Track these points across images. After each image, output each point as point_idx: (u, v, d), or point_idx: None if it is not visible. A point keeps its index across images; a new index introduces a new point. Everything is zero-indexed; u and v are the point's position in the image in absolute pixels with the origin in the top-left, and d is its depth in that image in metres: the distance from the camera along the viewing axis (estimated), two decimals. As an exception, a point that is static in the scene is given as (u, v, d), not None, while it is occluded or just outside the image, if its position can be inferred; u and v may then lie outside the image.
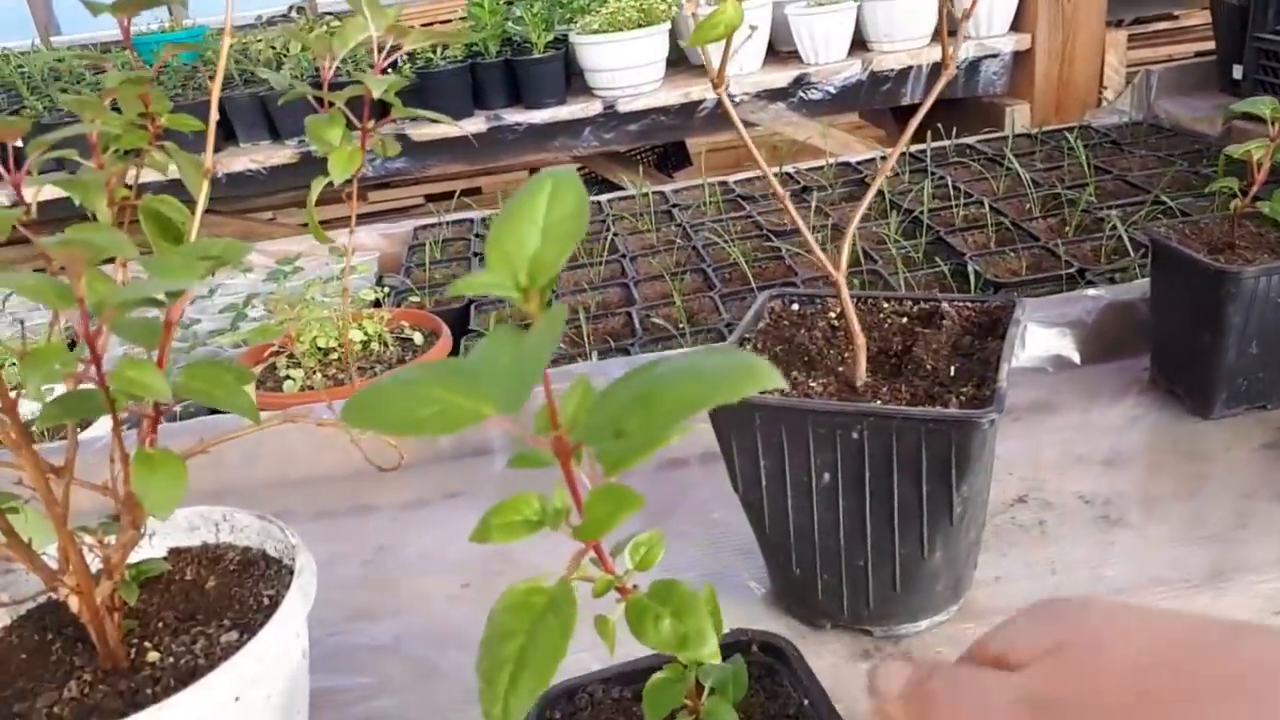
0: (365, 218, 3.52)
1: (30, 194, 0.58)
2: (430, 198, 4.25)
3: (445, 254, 2.02)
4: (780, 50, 3.07)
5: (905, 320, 0.82)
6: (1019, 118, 3.02)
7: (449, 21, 3.63)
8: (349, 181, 0.68)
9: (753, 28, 0.68)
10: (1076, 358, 1.12)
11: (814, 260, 1.74)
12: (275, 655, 0.60)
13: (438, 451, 1.10)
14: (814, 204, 1.98)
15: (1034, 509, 0.87)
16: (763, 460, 0.72)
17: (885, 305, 0.84)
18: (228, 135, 2.87)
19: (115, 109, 0.68)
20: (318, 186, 0.66)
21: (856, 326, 0.73)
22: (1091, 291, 1.16)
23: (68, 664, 0.65)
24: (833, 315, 0.84)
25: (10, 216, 0.52)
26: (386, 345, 1.45)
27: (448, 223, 2.18)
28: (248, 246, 0.53)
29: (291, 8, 3.96)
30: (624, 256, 1.89)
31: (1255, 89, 2.10)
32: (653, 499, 0.98)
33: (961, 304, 0.81)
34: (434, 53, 2.89)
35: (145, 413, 0.53)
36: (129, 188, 0.69)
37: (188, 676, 0.61)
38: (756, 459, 0.72)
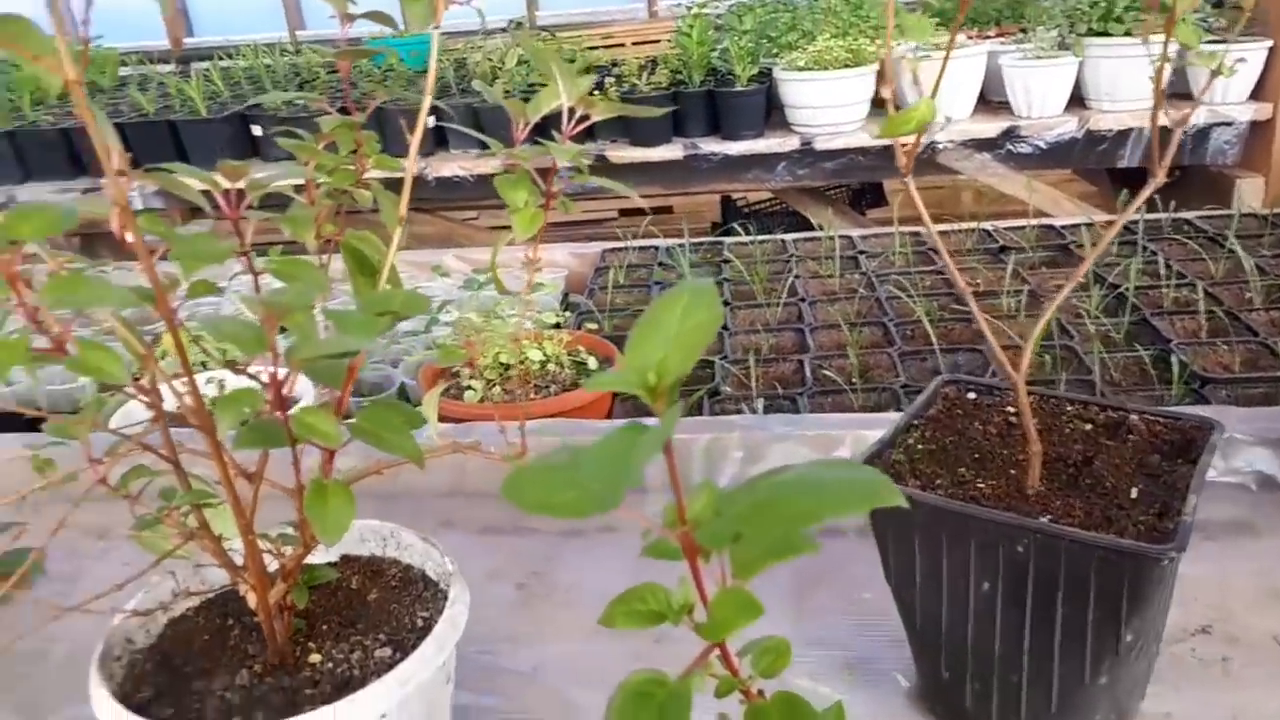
0: (557, 226, 3.64)
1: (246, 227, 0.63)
2: (623, 212, 4.35)
3: (629, 279, 2.06)
4: (991, 100, 2.98)
5: (1089, 427, 0.78)
6: (1249, 193, 2.81)
7: (657, 42, 3.69)
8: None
9: (947, 119, 0.67)
10: (1286, 476, 1.04)
11: (1004, 327, 1.68)
12: (420, 681, 0.64)
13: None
14: (1010, 266, 1.90)
15: (1218, 643, 0.81)
16: (919, 558, 0.71)
17: (1069, 408, 0.80)
18: (440, 141, 3.03)
19: (330, 148, 0.74)
20: (500, 243, 0.69)
21: (1033, 431, 0.71)
22: (1308, 406, 1.07)
23: (242, 652, 0.70)
24: (1010, 410, 0.82)
25: (226, 250, 0.57)
26: (563, 367, 1.49)
27: (634, 248, 2.23)
28: (425, 300, 0.57)
29: (512, 22, 4.13)
30: (803, 300, 1.87)
31: None
32: (801, 568, 0.98)
33: (1153, 419, 0.77)
34: (639, 78, 2.95)
35: (322, 445, 0.57)
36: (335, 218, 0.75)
37: (342, 686, 0.65)
38: (913, 556, 0.71)
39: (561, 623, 0.92)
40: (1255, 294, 1.74)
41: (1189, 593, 0.86)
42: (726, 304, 1.90)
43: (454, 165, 2.91)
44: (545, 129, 0.68)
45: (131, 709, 0.63)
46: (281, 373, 0.55)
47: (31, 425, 0.80)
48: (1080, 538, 0.62)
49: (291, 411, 0.52)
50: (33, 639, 0.71)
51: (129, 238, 0.50)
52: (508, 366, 1.47)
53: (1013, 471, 0.74)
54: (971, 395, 0.85)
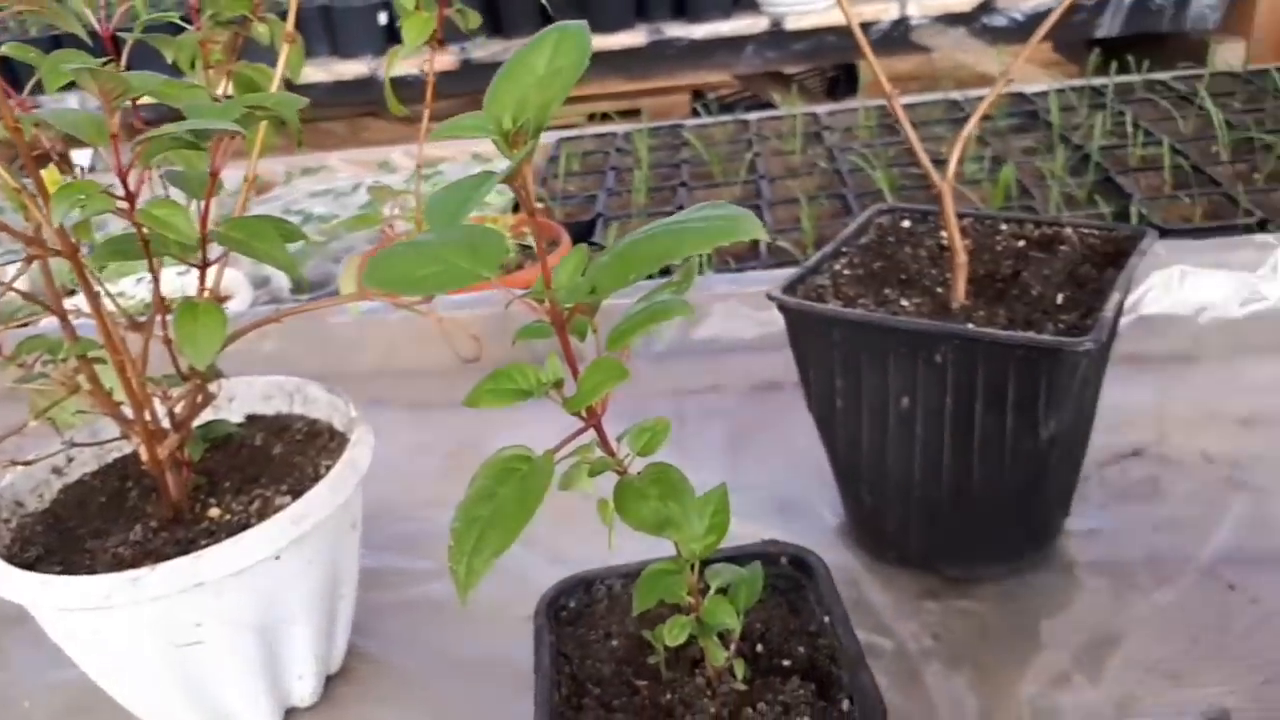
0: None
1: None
2: (591, 118, 4.24)
3: (583, 166, 2.01)
4: (964, -29, 2.88)
5: (1022, 244, 0.75)
6: (1230, 56, 2.74)
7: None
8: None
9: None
10: (1234, 308, 1.01)
11: (966, 192, 1.63)
12: (318, 519, 0.61)
13: (533, 354, 1.10)
14: (975, 132, 1.85)
15: (1149, 464, 0.79)
16: (838, 379, 0.68)
17: (1004, 227, 0.77)
18: (394, 38, 2.92)
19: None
20: (393, 56, 0.64)
21: (959, 242, 0.67)
22: (1261, 238, 1.03)
23: (140, 511, 0.68)
24: (944, 234, 0.78)
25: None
26: (508, 250, 1.45)
27: (590, 135, 2.17)
28: (299, 100, 0.52)
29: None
30: (762, 178, 1.83)
31: None
32: (739, 419, 0.96)
33: (1086, 231, 0.73)
34: (600, -40, 2.84)
35: (194, 263, 0.53)
36: (229, 57, 0.70)
37: (239, 532, 0.63)
38: (832, 377, 0.68)
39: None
40: (1223, 148, 1.69)
41: (1124, 418, 0.84)
42: (684, 184, 1.85)
43: (408, 63, 2.81)
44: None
45: (17, 566, 0.61)
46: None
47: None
48: (998, 338, 0.60)
49: (141, 205, 0.48)
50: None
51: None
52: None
53: (939, 290, 0.70)
54: (906, 223, 0.81)
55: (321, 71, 2.85)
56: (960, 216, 0.78)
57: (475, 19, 0.66)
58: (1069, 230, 0.74)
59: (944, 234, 0.78)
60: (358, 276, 1.23)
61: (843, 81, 4.04)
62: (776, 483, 0.85)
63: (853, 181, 1.76)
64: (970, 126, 0.68)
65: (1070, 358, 0.57)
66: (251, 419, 0.76)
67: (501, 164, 0.36)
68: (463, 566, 0.36)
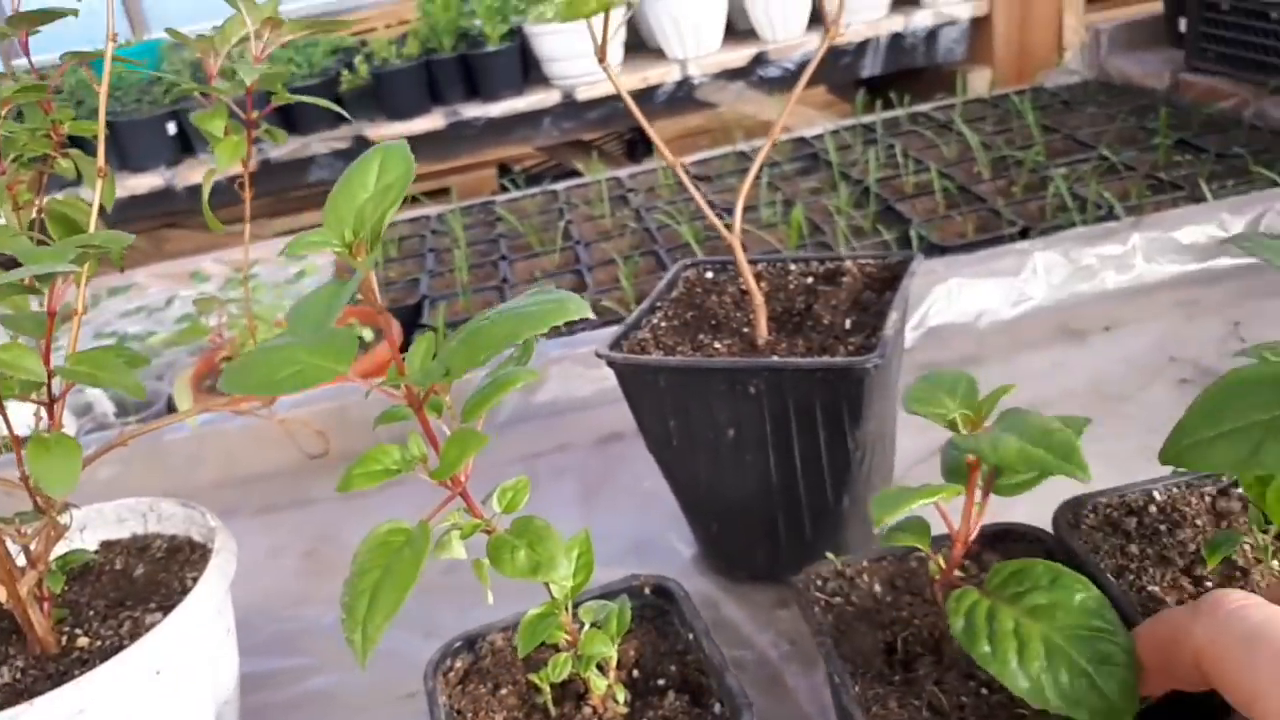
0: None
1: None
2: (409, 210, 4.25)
3: (401, 251, 2.04)
4: (739, 29, 3.09)
5: (810, 280, 0.84)
6: (978, 83, 3.03)
7: (409, 21, 3.63)
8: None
9: (630, 5, 0.69)
10: (1006, 310, 1.14)
11: (765, 236, 1.76)
12: (193, 629, 0.62)
13: (390, 435, 1.12)
14: (765, 179, 2.00)
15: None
16: (670, 421, 0.74)
17: (793, 267, 0.86)
18: (185, 148, 2.88)
19: (19, 118, 0.70)
20: (209, 179, 0.68)
21: (754, 285, 0.75)
22: (1019, 246, 1.18)
23: (4, 654, 0.67)
24: (743, 282, 0.86)
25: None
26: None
27: (404, 220, 2.20)
28: (127, 238, 0.55)
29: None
30: (578, 243, 1.91)
31: (1199, 40, 2.12)
32: (588, 473, 1.02)
33: (864, 262, 0.83)
34: (391, 51, 2.90)
35: (41, 401, 0.55)
36: (36, 194, 0.71)
37: (113, 655, 0.63)
38: (665, 420, 0.75)
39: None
40: (983, 168, 1.89)
41: (926, 421, 0.94)
42: (503, 258, 1.91)
43: (201, 172, 2.77)
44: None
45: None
46: None
47: None
48: (799, 364, 0.68)
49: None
50: None
51: None
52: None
53: (745, 330, 0.78)
54: (710, 274, 0.89)
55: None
56: (754, 262, 0.87)
57: (283, 136, 0.70)
58: (849, 263, 0.83)
59: (743, 281, 0.87)
60: (193, 389, 1.22)
61: (640, 142, 4.23)
62: (630, 526, 0.91)
63: (661, 237, 1.86)
64: (748, 181, 0.77)
65: (861, 374, 0.66)
66: (107, 544, 0.76)
67: (320, 262, 0.41)
68: (359, 635, 0.40)
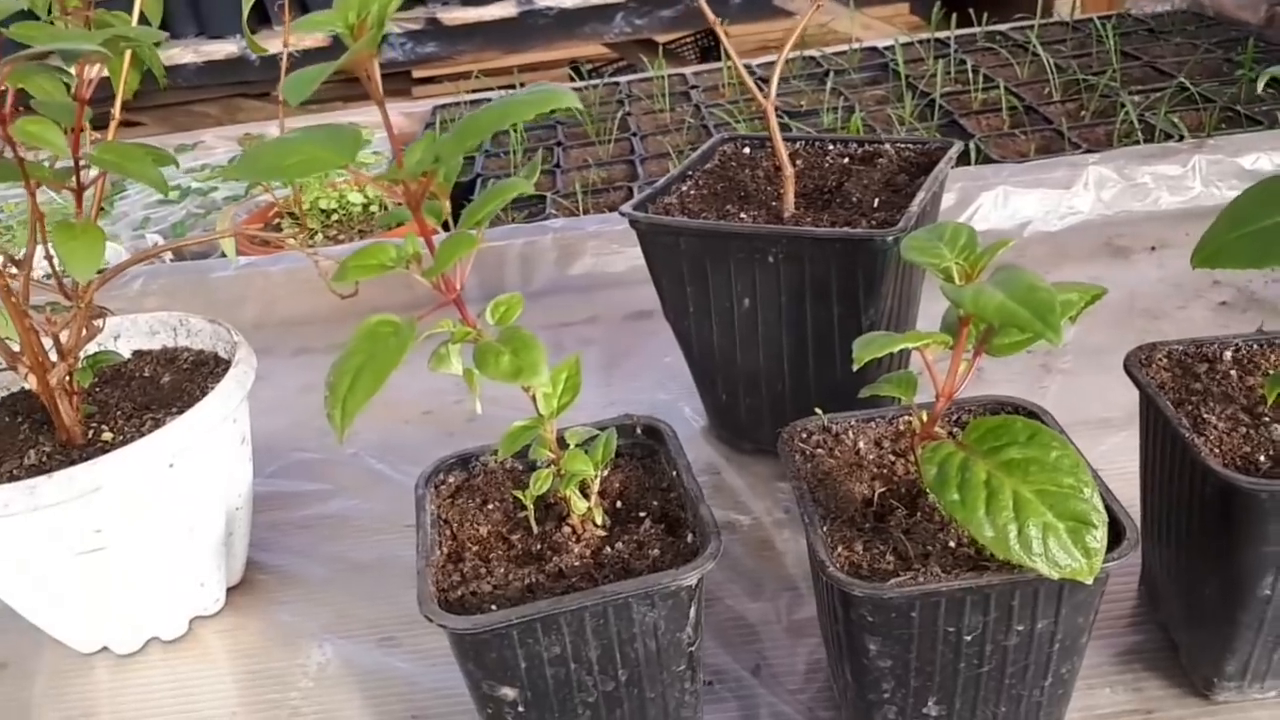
0: (394, 95, 3.52)
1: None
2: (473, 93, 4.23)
3: (460, 128, 2.04)
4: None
5: (846, 160, 0.83)
6: (1063, 6, 2.91)
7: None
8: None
9: None
10: (1053, 222, 1.12)
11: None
12: (206, 429, 0.65)
13: (414, 298, 1.14)
14: (830, 85, 1.95)
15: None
16: (688, 287, 0.75)
17: (830, 147, 0.85)
18: (263, 19, 2.88)
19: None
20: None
21: (784, 156, 0.75)
22: (1073, 158, 1.15)
23: (33, 441, 0.71)
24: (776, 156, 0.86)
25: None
26: (385, 208, 1.49)
27: (467, 102, 2.20)
28: (158, 34, 0.56)
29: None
30: (634, 134, 1.89)
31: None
32: (613, 345, 1.03)
33: (903, 146, 0.82)
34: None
35: (69, 186, 0.57)
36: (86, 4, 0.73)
37: (132, 449, 0.67)
38: (683, 286, 0.75)
39: (376, 416, 0.95)
40: (1055, 90, 1.83)
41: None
42: (559, 144, 1.91)
43: (278, 42, 2.78)
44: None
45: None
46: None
47: None
48: (819, 234, 0.67)
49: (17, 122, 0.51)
50: None
51: None
52: (329, 214, 1.46)
53: (773, 204, 0.78)
54: (746, 150, 0.89)
55: (190, 53, 2.80)
56: (793, 140, 0.86)
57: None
58: (888, 146, 0.82)
59: (775, 154, 0.86)
60: (230, 220, 1.25)
61: (713, 48, 4.14)
62: (647, 395, 0.93)
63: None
64: (787, 49, 0.76)
65: (880, 246, 0.66)
66: (139, 354, 0.79)
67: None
68: (338, 410, 0.41)
